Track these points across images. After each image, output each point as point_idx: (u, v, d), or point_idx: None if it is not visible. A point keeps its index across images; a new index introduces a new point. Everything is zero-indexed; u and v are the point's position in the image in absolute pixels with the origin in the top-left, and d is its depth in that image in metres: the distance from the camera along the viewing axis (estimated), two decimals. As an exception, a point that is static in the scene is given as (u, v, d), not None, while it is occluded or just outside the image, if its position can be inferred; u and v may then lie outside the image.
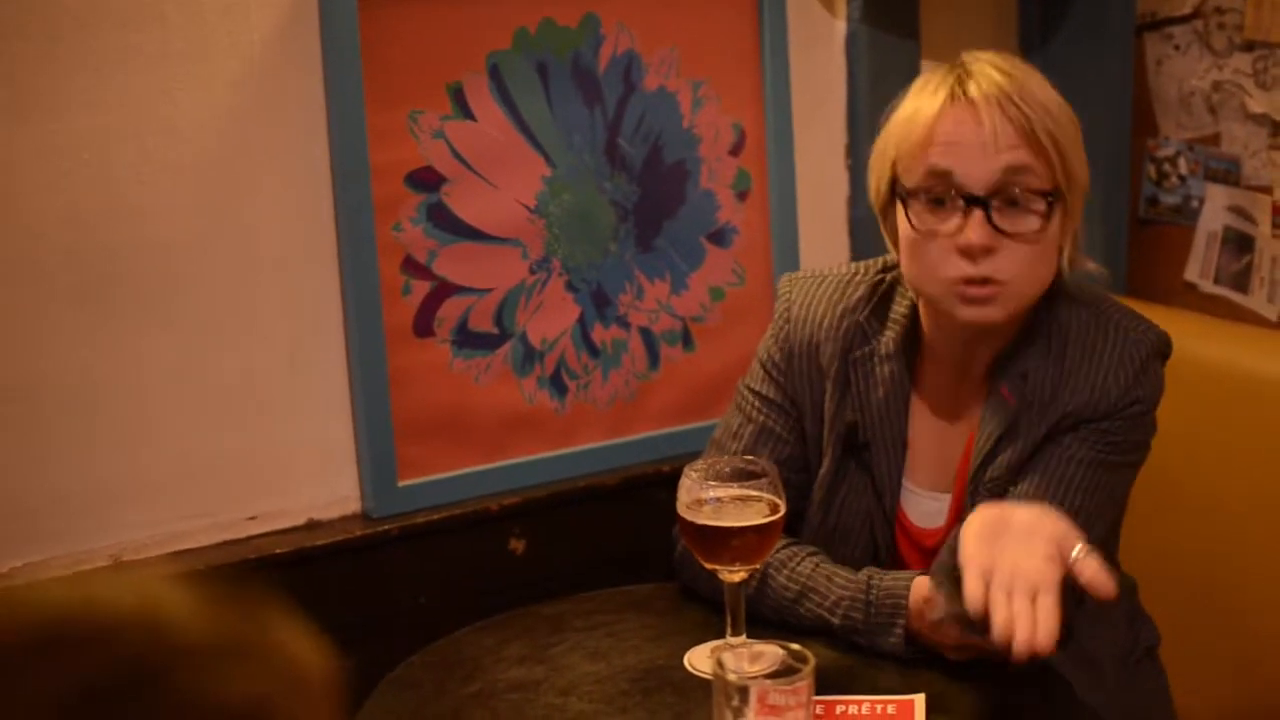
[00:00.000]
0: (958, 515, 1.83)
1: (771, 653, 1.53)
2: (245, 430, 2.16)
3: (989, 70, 1.73)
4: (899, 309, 1.85)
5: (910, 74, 2.59)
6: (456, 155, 2.24)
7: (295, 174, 2.14)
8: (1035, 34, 2.71)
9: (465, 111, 2.24)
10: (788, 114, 2.48)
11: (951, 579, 1.61)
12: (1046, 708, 1.72)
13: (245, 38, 2.08)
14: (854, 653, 1.76)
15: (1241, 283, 2.57)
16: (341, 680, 0.80)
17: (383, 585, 2.23)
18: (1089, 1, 2.65)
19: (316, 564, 2.16)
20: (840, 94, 2.57)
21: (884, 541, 1.87)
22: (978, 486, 1.80)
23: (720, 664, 1.49)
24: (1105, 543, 1.87)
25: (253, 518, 2.19)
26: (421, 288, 2.24)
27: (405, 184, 2.21)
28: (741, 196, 2.47)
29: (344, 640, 0.81)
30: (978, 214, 1.70)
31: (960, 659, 1.70)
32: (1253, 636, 2.24)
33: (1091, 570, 1.53)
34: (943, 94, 1.73)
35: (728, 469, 1.72)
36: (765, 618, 1.82)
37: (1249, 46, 2.51)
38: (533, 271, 2.32)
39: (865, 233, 2.58)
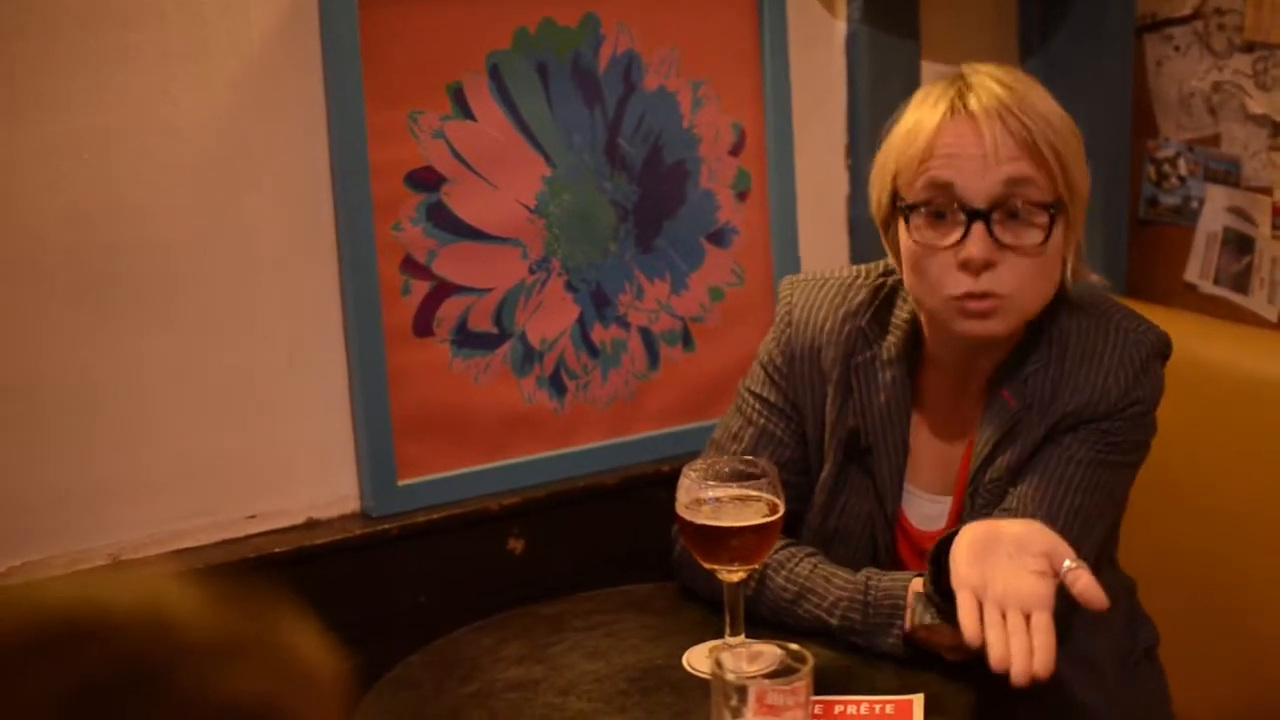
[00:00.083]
0: (958, 517, 1.83)
1: (770, 653, 1.53)
2: (245, 429, 2.16)
3: (989, 83, 1.72)
4: (901, 314, 1.85)
5: (910, 74, 2.59)
6: (456, 155, 2.24)
7: (295, 173, 2.14)
8: (1035, 35, 2.71)
9: (465, 111, 2.24)
10: (788, 114, 2.48)
11: (932, 604, 1.64)
12: (1045, 708, 1.72)
13: (245, 37, 2.08)
14: (852, 653, 1.76)
15: (1241, 283, 2.57)
16: (344, 678, 0.80)
17: (382, 584, 2.23)
18: (1089, 2, 2.65)
19: (316, 563, 2.16)
20: (840, 94, 2.57)
21: (884, 544, 1.87)
22: (977, 488, 1.80)
23: (719, 664, 1.49)
24: (1105, 543, 1.87)
25: (252, 517, 2.19)
26: (421, 287, 2.24)
27: (405, 184, 2.21)
28: (741, 196, 2.48)
29: (343, 639, 0.81)
30: (979, 227, 1.69)
31: (958, 659, 1.70)
32: (1252, 637, 2.24)
33: (1083, 583, 1.53)
34: (942, 107, 1.72)
35: (727, 469, 1.72)
36: (764, 618, 1.82)
37: (1249, 47, 2.51)
38: (532, 271, 2.32)
39: (865, 233, 2.57)
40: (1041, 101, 1.73)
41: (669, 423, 2.46)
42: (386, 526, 2.22)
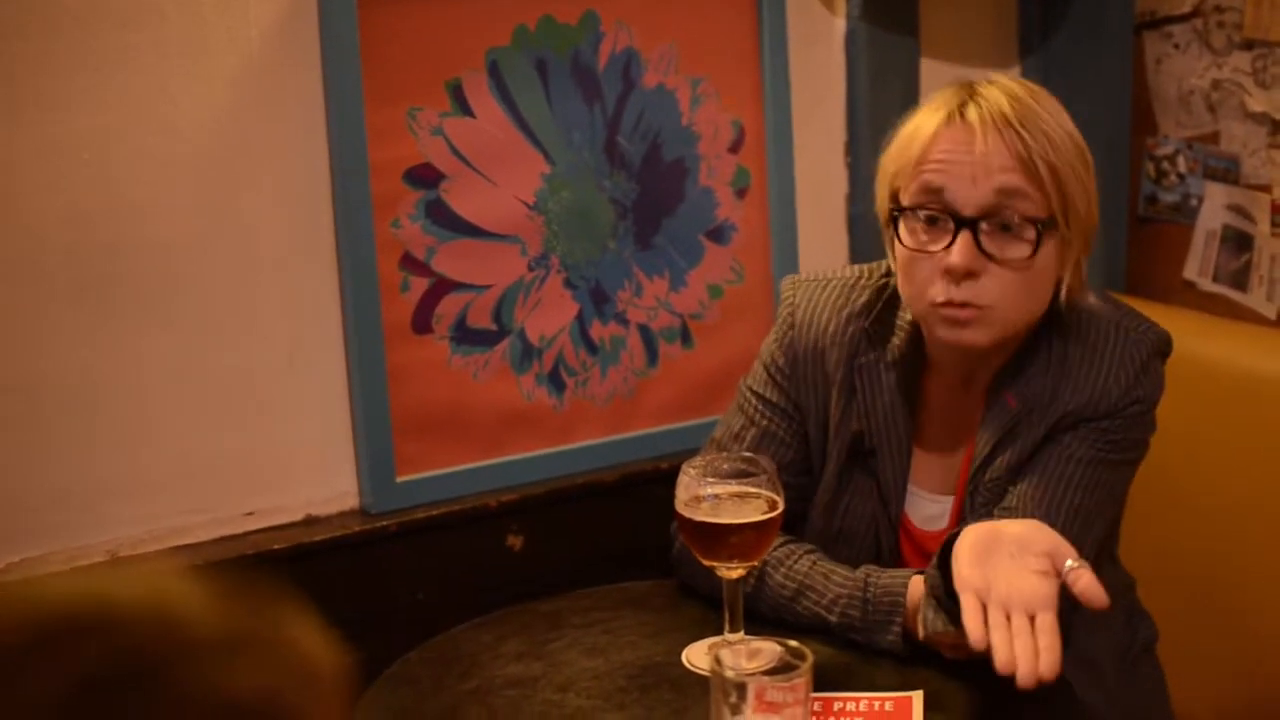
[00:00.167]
0: (959, 517, 1.83)
1: (769, 649, 1.53)
2: (243, 426, 2.16)
3: (997, 95, 1.72)
4: (904, 316, 1.84)
5: (910, 72, 2.59)
6: (455, 152, 2.24)
7: (294, 171, 2.14)
8: (1035, 32, 2.71)
9: (464, 108, 2.24)
10: (787, 111, 2.48)
11: (942, 610, 1.63)
12: (1044, 705, 1.71)
13: (244, 35, 2.08)
14: (852, 650, 1.76)
15: (1240, 281, 2.57)
16: (345, 674, 0.80)
17: (381, 581, 2.23)
18: (1088, 0, 2.65)
19: (314, 560, 2.16)
20: (839, 91, 2.57)
21: (888, 545, 1.87)
22: (977, 487, 1.81)
23: (718, 660, 1.49)
24: (1105, 540, 1.87)
25: (251, 513, 2.19)
26: (420, 284, 2.24)
27: (404, 181, 2.21)
28: (740, 194, 2.47)
29: (341, 636, 0.81)
30: (965, 235, 1.69)
31: (958, 658, 1.70)
32: (1250, 633, 2.24)
33: (1084, 582, 1.53)
34: (943, 113, 1.72)
35: (726, 466, 1.72)
36: (763, 615, 1.81)
37: (1248, 45, 2.51)
38: (531, 268, 2.32)
39: (864, 230, 2.58)
40: (1049, 119, 1.72)
41: (668, 420, 2.46)
42: (385, 523, 2.22)
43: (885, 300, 1.86)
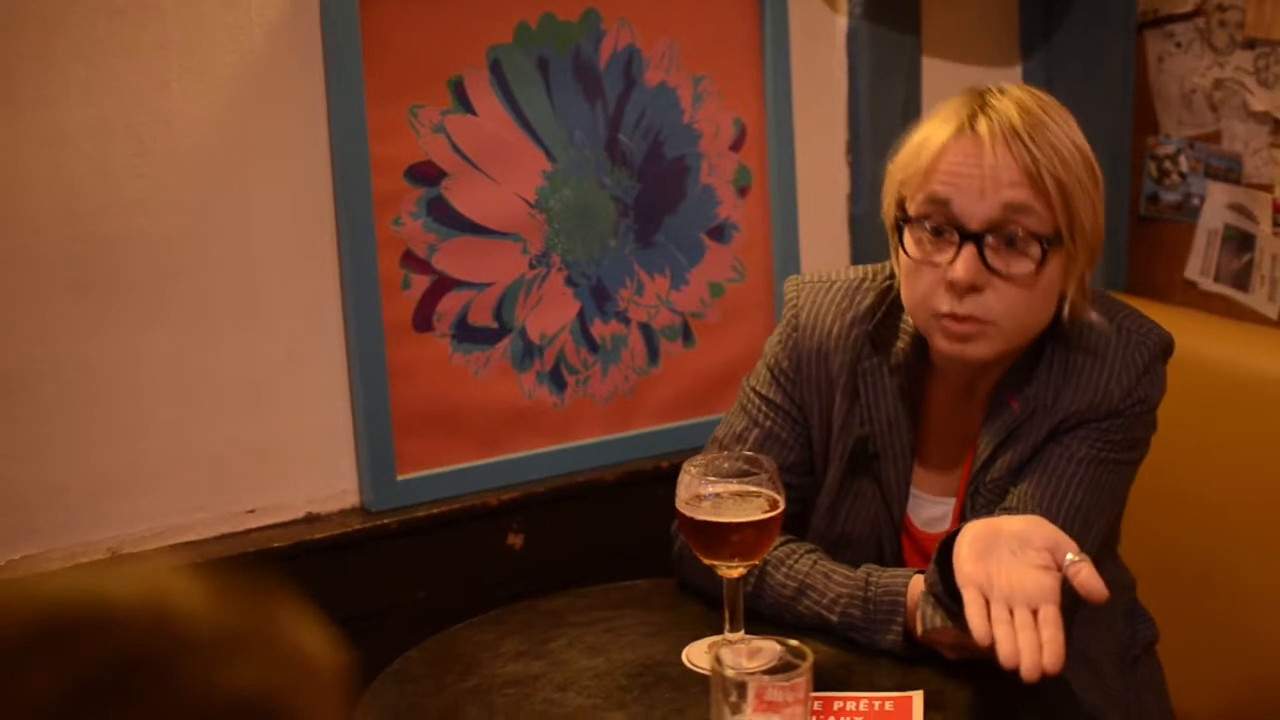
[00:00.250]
0: (961, 519, 1.83)
1: (770, 649, 1.53)
2: (244, 423, 2.16)
3: (1008, 106, 1.71)
4: (908, 320, 1.84)
5: (911, 70, 2.59)
6: (457, 150, 2.24)
7: (295, 168, 2.14)
8: (1037, 31, 2.71)
9: (466, 106, 2.23)
10: (789, 110, 2.47)
11: (942, 606, 1.63)
12: (1044, 704, 1.71)
13: (245, 30, 2.08)
14: (852, 649, 1.76)
15: (1242, 281, 2.57)
16: (344, 672, 0.80)
17: (381, 579, 2.23)
18: (1090, -2, 2.65)
19: (315, 557, 2.16)
20: (841, 90, 2.57)
21: (890, 547, 1.87)
22: (978, 488, 1.80)
23: (718, 660, 1.48)
24: (1106, 539, 1.87)
25: (251, 511, 2.19)
26: (421, 282, 2.24)
27: (405, 178, 2.21)
28: (742, 192, 2.47)
29: (342, 634, 0.80)
30: (969, 249, 1.69)
31: (959, 658, 1.70)
32: (1252, 634, 2.24)
33: (1084, 575, 1.53)
34: (954, 124, 1.71)
35: (727, 465, 1.71)
36: (763, 614, 1.81)
37: (1250, 44, 2.51)
38: (532, 266, 2.31)
39: (865, 229, 2.58)
40: (1059, 133, 1.71)
41: (669, 418, 2.45)
42: (386, 521, 2.22)
43: (889, 304, 1.85)
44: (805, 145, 2.51)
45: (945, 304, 1.71)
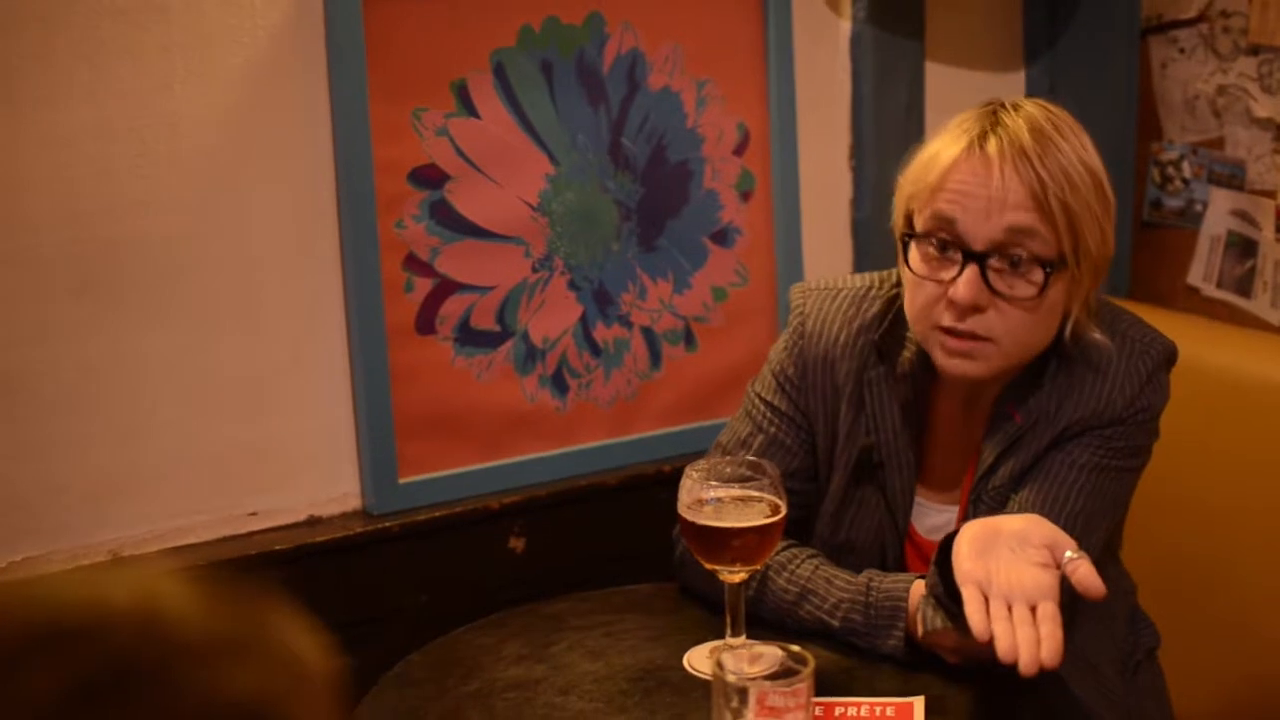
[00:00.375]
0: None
1: (771, 654, 1.53)
2: (246, 425, 2.16)
3: (1020, 125, 1.69)
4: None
5: (915, 74, 2.59)
6: (460, 153, 2.24)
7: (298, 170, 2.14)
8: (1040, 36, 2.71)
9: (469, 109, 2.23)
10: (792, 114, 2.47)
11: (942, 608, 1.63)
12: (1045, 710, 1.71)
13: (249, 32, 2.08)
14: (853, 654, 1.76)
15: (1245, 287, 2.57)
16: (342, 677, 0.79)
17: (383, 583, 2.23)
18: (1094, 4, 2.65)
19: (316, 560, 2.16)
20: (845, 94, 2.57)
21: (893, 555, 1.87)
22: (980, 495, 1.80)
23: (720, 665, 1.48)
24: (1108, 544, 1.87)
25: (253, 514, 2.19)
26: (424, 285, 2.24)
27: (408, 181, 2.21)
28: (745, 197, 2.47)
29: (343, 637, 0.80)
30: (972, 269, 1.68)
31: (960, 662, 1.70)
32: (1253, 640, 2.24)
33: (1082, 572, 1.53)
34: (964, 142, 1.70)
35: (729, 469, 1.71)
36: (765, 619, 1.81)
37: (1254, 50, 2.51)
38: (535, 270, 2.31)
39: (868, 234, 2.57)
40: (1069, 153, 1.70)
41: (671, 422, 2.45)
42: (387, 524, 2.22)
43: (895, 312, 1.85)
44: (808, 150, 2.51)
45: (946, 318, 1.71)
